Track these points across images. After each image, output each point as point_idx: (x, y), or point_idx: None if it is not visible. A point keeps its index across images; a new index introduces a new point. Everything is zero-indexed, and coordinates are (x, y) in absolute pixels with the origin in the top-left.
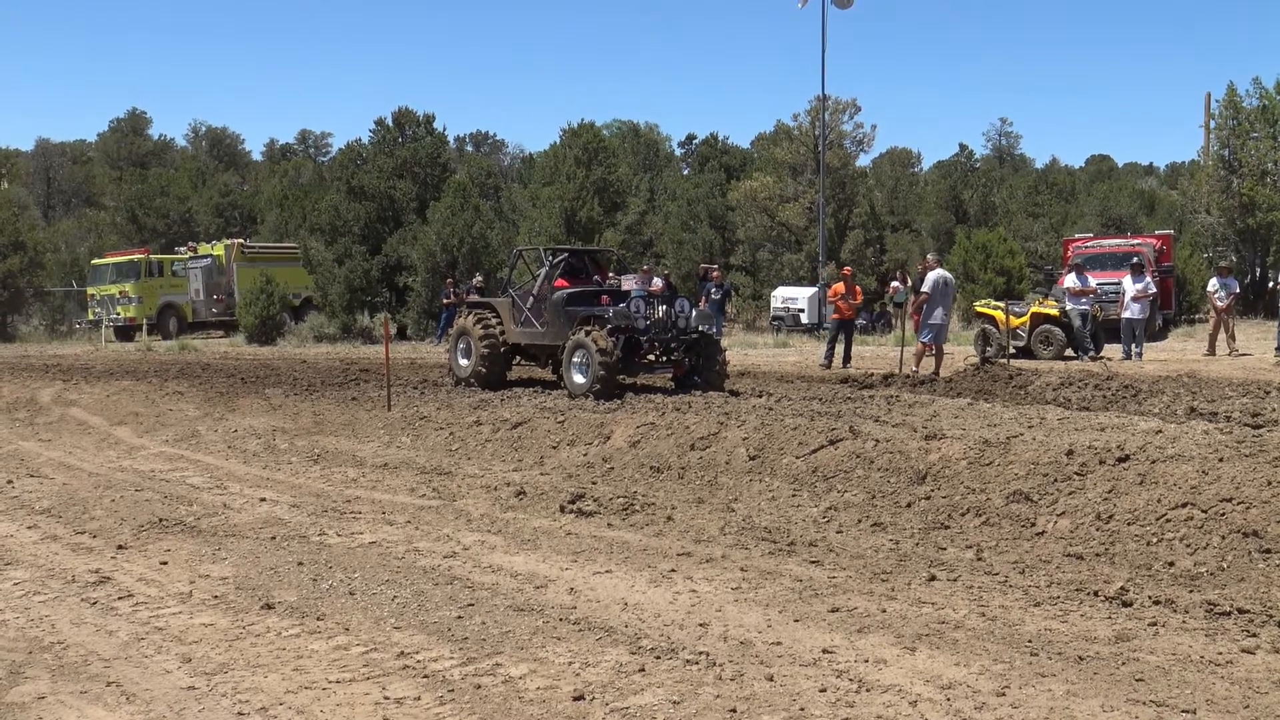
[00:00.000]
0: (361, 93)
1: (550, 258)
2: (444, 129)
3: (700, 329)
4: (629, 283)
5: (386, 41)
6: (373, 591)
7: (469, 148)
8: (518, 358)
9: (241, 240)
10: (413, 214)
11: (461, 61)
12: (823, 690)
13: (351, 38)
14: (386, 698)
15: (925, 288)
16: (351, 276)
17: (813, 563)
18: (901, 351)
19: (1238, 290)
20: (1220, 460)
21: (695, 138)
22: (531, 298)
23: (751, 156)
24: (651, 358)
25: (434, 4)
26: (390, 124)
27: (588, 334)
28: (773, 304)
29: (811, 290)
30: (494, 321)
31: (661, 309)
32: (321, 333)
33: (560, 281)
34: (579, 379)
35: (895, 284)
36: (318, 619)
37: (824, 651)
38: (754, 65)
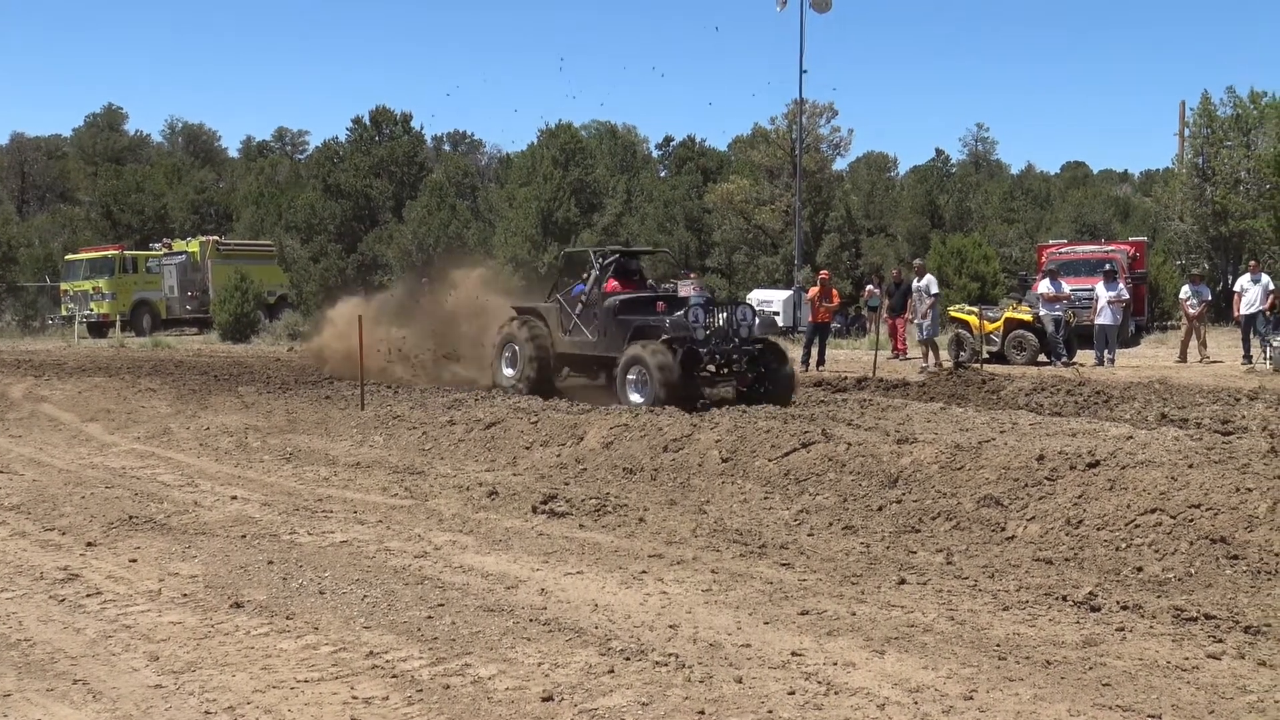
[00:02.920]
0: (339, 91)
1: (600, 260)
2: (421, 128)
3: (765, 338)
4: (685, 288)
5: (365, 40)
6: (343, 591)
7: (446, 147)
8: (566, 369)
9: (216, 237)
10: (389, 213)
11: (440, 61)
12: (791, 692)
13: (330, 35)
14: (355, 697)
15: (936, 289)
16: (327, 275)
17: (783, 565)
18: (876, 355)
19: (1209, 298)
20: (1190, 466)
21: (673, 140)
22: (580, 304)
23: (728, 159)
24: (711, 369)
25: (414, 3)
26: (367, 123)
27: (644, 347)
28: None
29: (787, 293)
30: (542, 329)
31: (721, 317)
32: (296, 330)
33: (610, 284)
34: (636, 397)
35: (871, 288)
36: (287, 618)
37: (793, 654)
38: (732, 68)
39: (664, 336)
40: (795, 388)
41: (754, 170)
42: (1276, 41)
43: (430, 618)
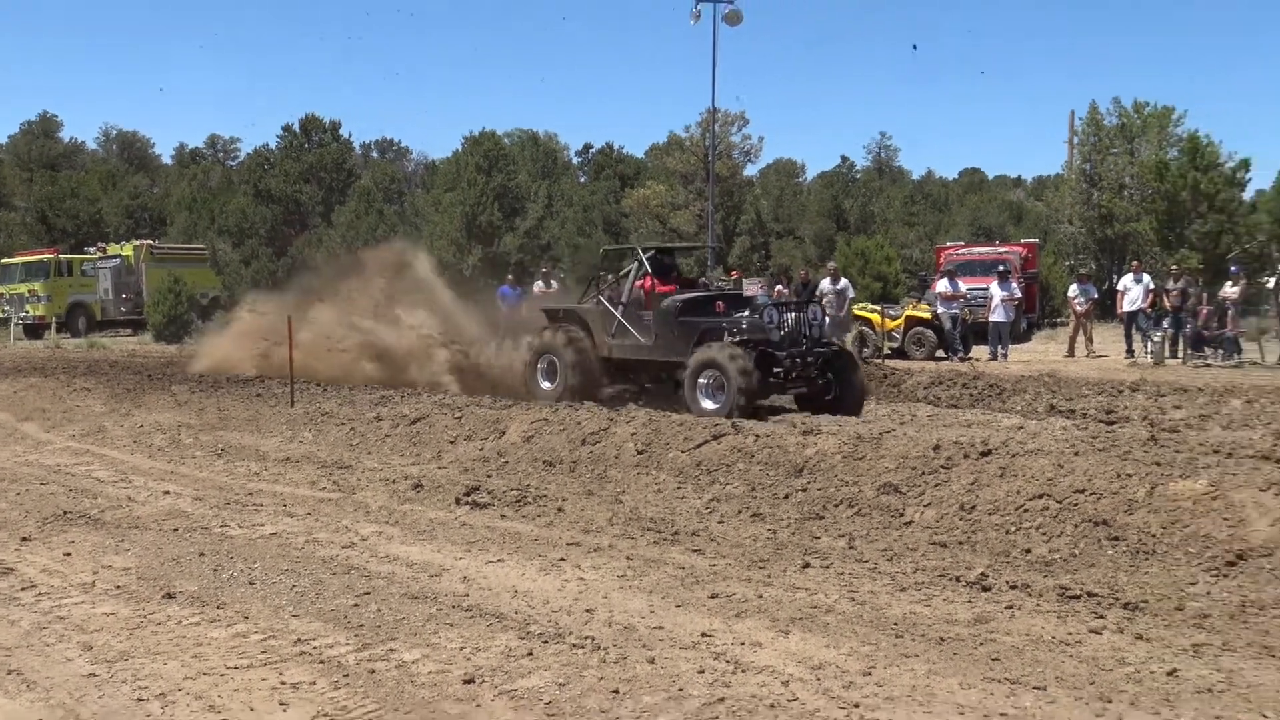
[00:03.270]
0: (271, 100)
1: (639, 257)
2: (350, 136)
3: (836, 342)
4: (751, 287)
5: (295, 50)
6: (272, 581)
7: (374, 154)
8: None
9: (150, 241)
10: (318, 217)
11: (368, 70)
12: (701, 671)
13: (262, 45)
14: (283, 683)
15: (852, 293)
16: (258, 277)
17: (695, 551)
18: None
19: (1096, 296)
20: (1075, 454)
21: (592, 147)
22: (621, 305)
23: (645, 165)
24: (780, 373)
25: (343, 15)
26: (297, 130)
27: (720, 350)
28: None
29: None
30: (582, 335)
31: (790, 318)
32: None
33: (660, 285)
34: (708, 404)
35: (780, 288)
36: (218, 608)
37: (703, 635)
38: (649, 78)
39: (737, 338)
40: (865, 397)
41: (669, 176)
42: (1158, 54)
43: (356, 605)
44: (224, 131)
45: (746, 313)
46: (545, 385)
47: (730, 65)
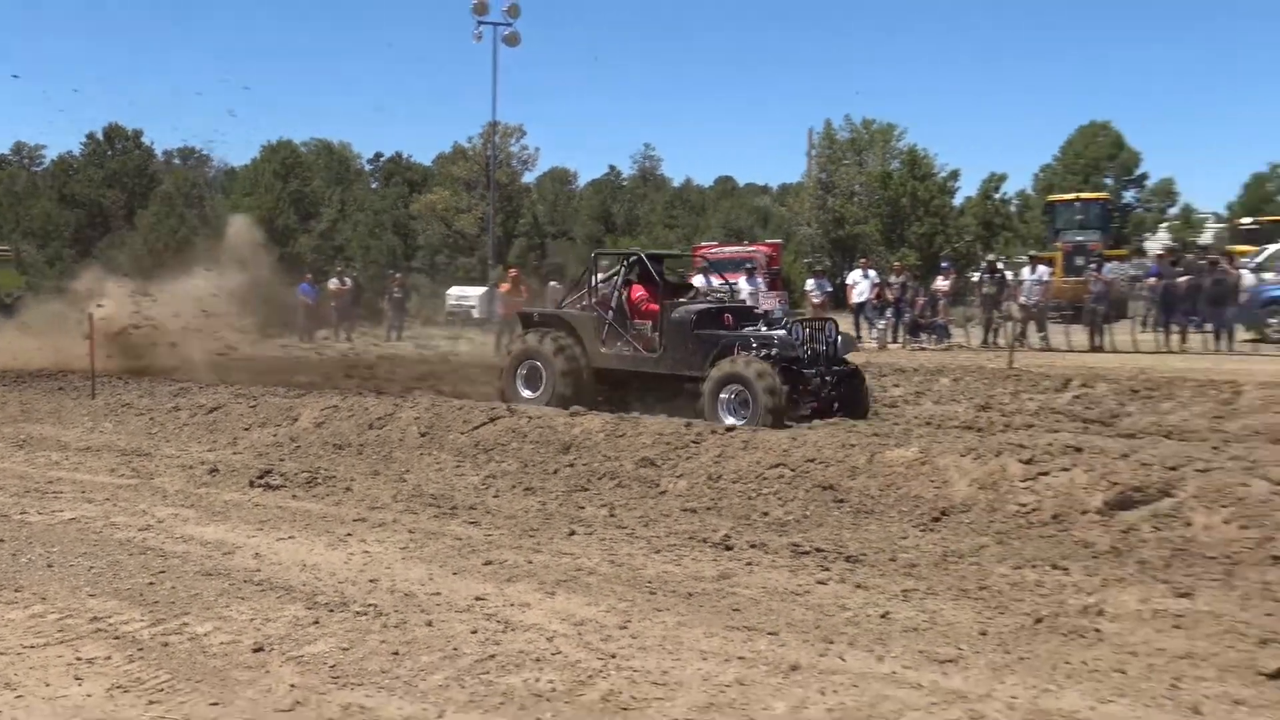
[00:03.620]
0: (77, 107)
1: (625, 263)
2: (152, 143)
3: (850, 360)
4: (768, 301)
5: (100, 58)
6: (70, 564)
7: (176, 161)
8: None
9: None
10: (122, 221)
11: (171, 79)
12: (474, 632)
13: (68, 53)
14: (79, 659)
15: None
16: (62, 278)
17: (472, 524)
18: None
19: (830, 289)
20: (808, 428)
21: (382, 155)
22: (611, 311)
23: (432, 173)
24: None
25: (149, 25)
26: (101, 138)
27: (746, 365)
28: (448, 301)
29: (483, 289)
30: (571, 343)
31: (809, 334)
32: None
33: (635, 290)
34: (730, 419)
35: (553, 284)
36: (15, 590)
37: (477, 599)
38: (436, 89)
39: (763, 353)
40: (869, 413)
41: (453, 183)
42: (883, 75)
43: (152, 584)
44: (29, 138)
45: (775, 328)
46: (526, 393)
47: (512, 80)
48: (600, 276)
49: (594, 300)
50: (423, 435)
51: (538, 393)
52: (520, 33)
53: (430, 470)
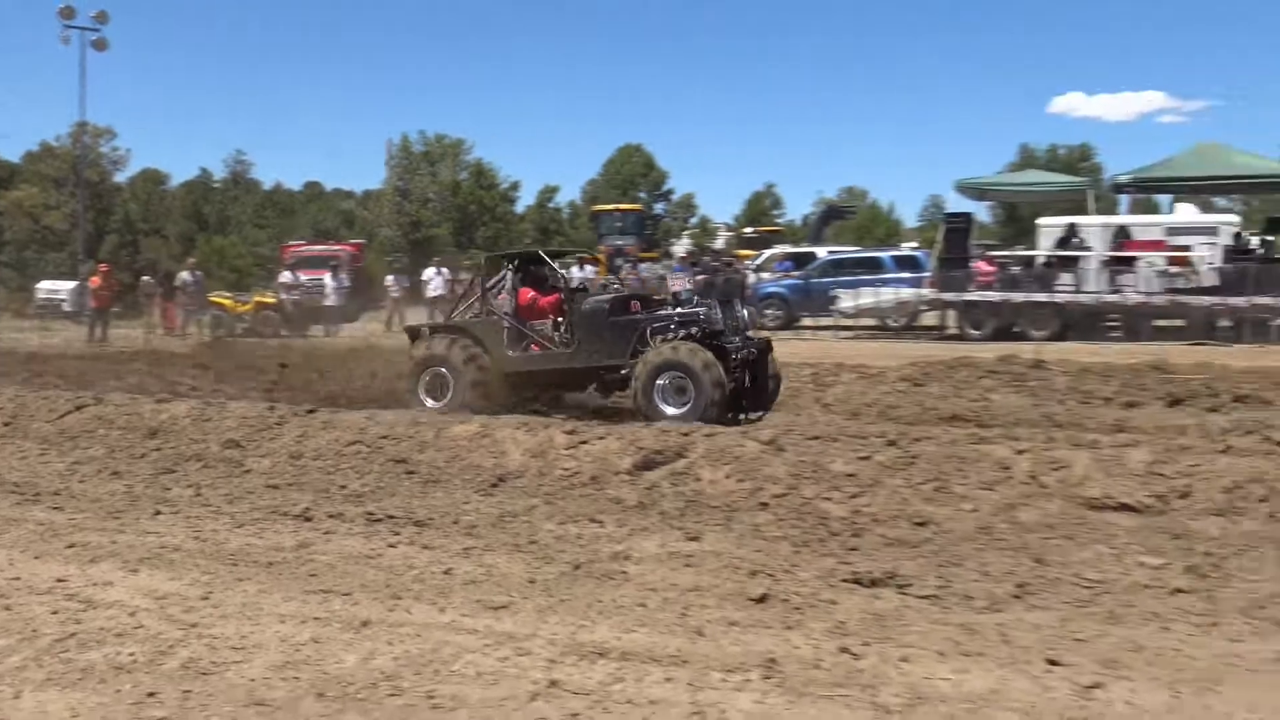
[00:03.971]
0: None
1: (511, 264)
2: None
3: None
4: (677, 280)
5: None
6: None
7: None
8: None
9: None
10: None
11: None
12: (54, 612)
13: None
14: None
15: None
16: None
17: (55, 509)
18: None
19: (407, 285)
20: (384, 408)
21: None
22: (507, 315)
23: (23, 169)
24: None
25: None
26: None
27: (674, 349)
28: (37, 295)
29: (73, 283)
30: (479, 351)
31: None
32: None
33: (525, 292)
34: (671, 410)
35: (146, 278)
36: None
37: (58, 580)
38: (24, 85)
39: (684, 331)
40: (780, 385)
41: (42, 180)
42: (454, 94)
43: None
44: None
45: (692, 308)
46: (430, 402)
47: (104, 80)
48: (489, 283)
49: (488, 306)
50: (6, 425)
51: (442, 401)
52: (107, 38)
53: (13, 459)
